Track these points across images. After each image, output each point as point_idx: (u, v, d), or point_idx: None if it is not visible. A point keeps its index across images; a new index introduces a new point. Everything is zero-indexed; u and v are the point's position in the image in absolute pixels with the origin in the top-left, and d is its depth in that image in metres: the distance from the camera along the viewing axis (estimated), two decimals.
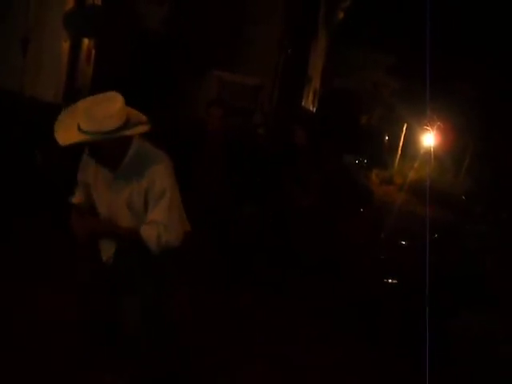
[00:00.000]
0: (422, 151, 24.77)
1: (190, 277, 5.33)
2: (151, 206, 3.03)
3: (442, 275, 5.88)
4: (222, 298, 5.44)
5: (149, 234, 2.99)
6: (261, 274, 6.25)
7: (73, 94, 8.98)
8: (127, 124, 2.93)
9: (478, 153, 23.12)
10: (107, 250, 3.24)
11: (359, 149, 21.28)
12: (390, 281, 7.12)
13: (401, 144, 26.30)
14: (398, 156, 26.04)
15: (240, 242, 6.36)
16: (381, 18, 24.17)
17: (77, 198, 3.33)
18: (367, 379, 4.63)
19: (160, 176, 3.01)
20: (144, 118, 3.07)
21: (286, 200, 6.79)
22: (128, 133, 2.93)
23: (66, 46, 8.96)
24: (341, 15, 19.73)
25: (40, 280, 4.77)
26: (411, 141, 26.11)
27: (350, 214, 10.20)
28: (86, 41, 9.17)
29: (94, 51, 9.24)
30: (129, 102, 3.03)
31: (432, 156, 23.26)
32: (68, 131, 2.91)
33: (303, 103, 17.07)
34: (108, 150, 2.96)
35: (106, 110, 2.86)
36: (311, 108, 18.79)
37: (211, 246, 5.77)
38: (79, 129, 2.87)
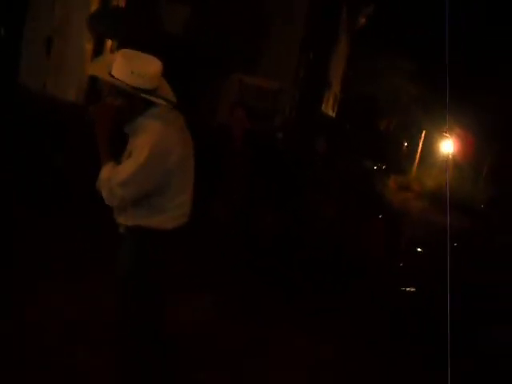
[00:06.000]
0: (440, 158, 24.63)
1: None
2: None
3: (468, 286, 5.81)
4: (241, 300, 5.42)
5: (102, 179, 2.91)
6: (280, 278, 6.22)
7: (94, 94, 9.04)
8: (156, 90, 2.91)
9: (498, 160, 22.94)
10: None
11: (378, 154, 21.20)
12: (408, 289, 7.08)
13: (419, 150, 26.17)
14: (416, 162, 25.92)
15: (261, 247, 6.34)
16: (403, 23, 24.10)
17: None
18: None
19: (147, 140, 2.86)
20: (172, 94, 3.01)
21: (307, 206, 6.77)
22: (152, 99, 2.88)
23: (89, 46, 9.02)
24: (362, 21, 19.67)
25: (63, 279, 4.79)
26: (430, 147, 25.99)
27: (369, 220, 10.17)
28: (109, 42, 9.20)
29: (116, 52, 9.29)
30: None
31: (451, 163, 23.12)
32: (100, 67, 2.92)
33: (323, 108, 17.02)
34: (124, 103, 2.89)
35: (144, 68, 2.85)
36: (331, 113, 18.74)
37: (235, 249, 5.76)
38: (110, 73, 2.84)
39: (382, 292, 6.84)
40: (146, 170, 2.86)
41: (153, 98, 2.87)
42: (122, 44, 9.11)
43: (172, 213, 3.08)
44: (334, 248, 7.28)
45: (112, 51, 9.18)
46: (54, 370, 3.60)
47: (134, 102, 2.89)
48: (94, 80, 9.08)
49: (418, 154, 26.14)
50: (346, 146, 14.88)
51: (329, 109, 18.55)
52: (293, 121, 12.57)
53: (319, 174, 7.04)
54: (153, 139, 2.87)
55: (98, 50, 9.10)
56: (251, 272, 5.89)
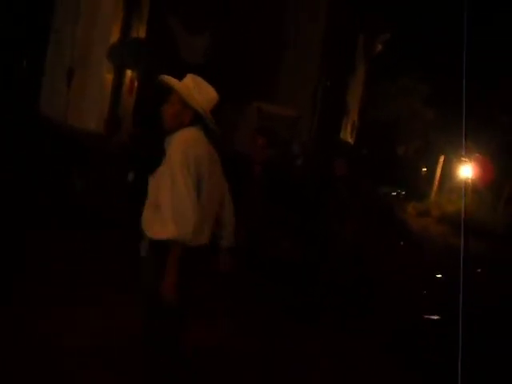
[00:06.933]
0: (459, 183, 24.47)
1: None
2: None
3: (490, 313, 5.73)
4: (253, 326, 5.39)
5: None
6: (297, 304, 6.18)
7: (114, 124, 9.15)
8: (207, 114, 3.28)
9: None
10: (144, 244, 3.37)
11: (396, 180, 21.15)
12: (431, 317, 6.98)
13: (438, 175, 26.03)
14: (435, 188, 25.76)
15: (279, 273, 6.32)
16: (419, 48, 24.16)
17: None
18: None
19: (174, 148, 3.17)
20: (214, 122, 3.34)
21: (327, 233, 6.72)
22: (207, 116, 3.26)
23: (109, 76, 9.14)
24: (379, 47, 19.77)
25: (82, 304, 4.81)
26: (448, 172, 25.84)
27: (390, 247, 10.09)
28: (128, 72, 9.33)
29: (136, 82, 9.40)
30: None
31: (470, 188, 22.94)
32: (175, 80, 3.27)
33: (341, 135, 17.06)
34: (175, 110, 3.23)
35: (208, 92, 3.30)
36: (349, 139, 18.78)
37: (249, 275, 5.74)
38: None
39: (404, 319, 6.77)
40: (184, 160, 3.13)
41: (208, 116, 3.27)
42: (142, 74, 9.27)
43: (196, 229, 3.17)
44: (355, 274, 7.21)
45: (132, 81, 9.32)
46: None
47: (187, 115, 3.25)
48: (114, 110, 9.23)
49: (437, 179, 25.99)
50: (364, 172, 14.85)
51: (347, 135, 18.57)
52: (311, 148, 12.59)
53: (339, 200, 6.97)
54: (185, 141, 3.21)
55: (119, 81, 9.23)
56: (269, 294, 5.88)
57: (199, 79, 3.32)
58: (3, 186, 6.93)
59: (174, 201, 3.08)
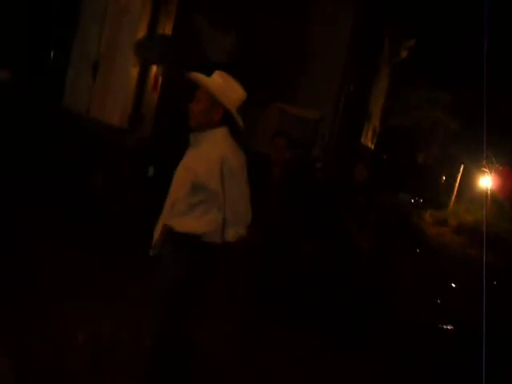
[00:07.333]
0: (478, 193, 24.28)
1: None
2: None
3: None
4: (271, 332, 5.38)
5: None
6: (314, 310, 6.16)
7: (137, 119, 9.19)
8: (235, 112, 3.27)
9: None
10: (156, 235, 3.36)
11: (415, 188, 21.03)
12: (445, 327, 6.95)
13: (457, 185, 25.85)
14: (454, 197, 25.58)
15: (297, 278, 6.32)
16: (443, 56, 24.02)
17: None
18: None
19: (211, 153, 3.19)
20: (241, 120, 3.34)
21: (344, 239, 6.70)
22: (235, 115, 3.25)
23: (134, 71, 9.17)
24: (404, 54, 19.68)
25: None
26: (468, 182, 25.64)
27: (406, 255, 10.06)
28: (153, 68, 9.36)
29: (160, 78, 9.42)
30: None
31: (489, 199, 22.73)
32: (202, 76, 3.30)
33: (362, 140, 17.01)
34: (204, 108, 3.22)
35: (236, 90, 3.27)
36: (370, 145, 18.71)
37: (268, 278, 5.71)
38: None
39: (417, 327, 6.74)
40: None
41: (235, 115, 3.25)
42: (167, 70, 9.30)
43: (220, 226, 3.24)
44: (370, 280, 7.19)
45: (157, 77, 9.35)
46: None
47: (217, 113, 3.22)
48: (137, 105, 9.26)
49: (456, 188, 25.80)
50: (384, 178, 14.80)
51: (368, 140, 18.50)
52: (332, 151, 12.56)
53: (358, 207, 6.97)
54: (229, 143, 3.25)
55: (144, 76, 9.25)
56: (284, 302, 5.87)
57: (228, 76, 3.28)
58: (24, 180, 6.97)
59: (246, 203, 3.25)
